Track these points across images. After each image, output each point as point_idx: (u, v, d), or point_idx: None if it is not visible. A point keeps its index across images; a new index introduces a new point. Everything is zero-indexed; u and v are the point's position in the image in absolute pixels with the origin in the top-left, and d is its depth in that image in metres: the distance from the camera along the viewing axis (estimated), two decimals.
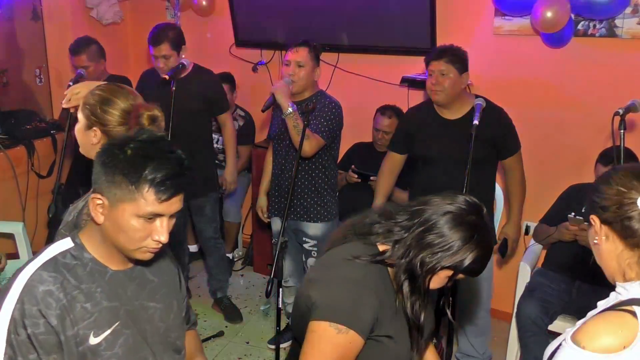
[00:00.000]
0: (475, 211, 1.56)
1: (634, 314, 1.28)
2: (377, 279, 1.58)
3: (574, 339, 1.29)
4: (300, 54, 3.07)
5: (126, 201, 1.36)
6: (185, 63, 3.45)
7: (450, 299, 2.36)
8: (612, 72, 3.35)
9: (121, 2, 4.74)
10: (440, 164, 2.95)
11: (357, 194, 3.63)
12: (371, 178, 3.54)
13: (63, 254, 1.46)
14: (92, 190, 1.43)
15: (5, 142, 4.21)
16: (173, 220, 1.44)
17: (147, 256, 1.45)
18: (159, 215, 1.39)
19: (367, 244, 1.63)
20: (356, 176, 3.64)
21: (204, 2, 4.45)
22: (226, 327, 3.81)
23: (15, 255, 3.52)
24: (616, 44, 3.31)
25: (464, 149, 2.61)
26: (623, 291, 1.36)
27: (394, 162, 3.20)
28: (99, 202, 1.40)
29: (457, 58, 2.89)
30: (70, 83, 3.67)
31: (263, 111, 3.07)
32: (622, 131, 2.39)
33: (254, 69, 4.45)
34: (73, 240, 1.49)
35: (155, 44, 3.42)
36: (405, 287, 1.57)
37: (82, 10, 4.56)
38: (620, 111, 2.39)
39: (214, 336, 3.68)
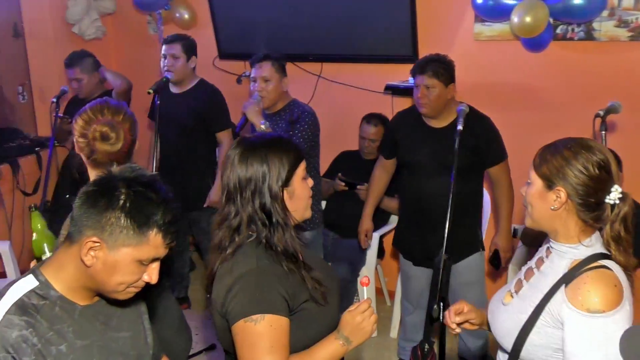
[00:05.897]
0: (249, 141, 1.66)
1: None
2: (269, 262, 1.60)
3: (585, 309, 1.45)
4: (264, 69, 3.10)
5: (130, 245, 1.31)
6: (169, 77, 3.45)
7: (442, 304, 2.37)
8: (592, 74, 3.39)
9: (103, 17, 4.73)
10: (426, 171, 2.94)
11: (344, 202, 3.64)
12: (358, 187, 3.55)
13: (28, 295, 1.34)
14: (81, 232, 1.33)
15: None
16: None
17: (129, 296, 1.41)
18: (158, 258, 1.38)
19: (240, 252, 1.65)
20: (343, 184, 3.64)
21: (186, 16, 4.45)
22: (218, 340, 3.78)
23: (2, 275, 3.49)
24: (595, 46, 3.36)
25: (449, 157, 2.62)
26: None
27: (384, 167, 3.21)
28: (97, 244, 1.32)
29: (443, 70, 2.86)
30: (54, 100, 3.68)
31: (237, 132, 3.06)
32: (603, 132, 2.43)
33: (239, 81, 4.45)
34: (36, 277, 1.38)
35: (165, 42, 3.61)
36: (265, 233, 1.60)
37: (63, 26, 4.55)
38: (601, 113, 2.44)
39: (205, 349, 3.66)
